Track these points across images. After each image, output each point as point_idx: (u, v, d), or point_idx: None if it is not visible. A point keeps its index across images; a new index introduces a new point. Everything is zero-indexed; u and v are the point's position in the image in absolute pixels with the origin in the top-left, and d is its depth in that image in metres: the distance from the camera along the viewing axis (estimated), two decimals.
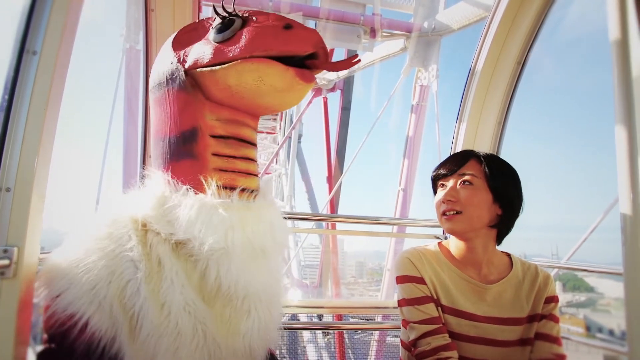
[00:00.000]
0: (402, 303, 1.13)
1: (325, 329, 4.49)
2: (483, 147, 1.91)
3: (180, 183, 0.90)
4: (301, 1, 4.05)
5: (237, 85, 0.88)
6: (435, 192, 1.19)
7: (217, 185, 0.89)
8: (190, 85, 0.92)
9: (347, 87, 7.47)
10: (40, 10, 0.94)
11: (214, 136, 0.92)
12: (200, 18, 1.04)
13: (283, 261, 1.11)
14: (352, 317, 2.81)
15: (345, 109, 7.57)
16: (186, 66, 0.92)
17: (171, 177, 0.91)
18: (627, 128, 0.96)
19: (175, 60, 0.93)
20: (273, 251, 0.97)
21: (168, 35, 1.73)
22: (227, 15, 0.91)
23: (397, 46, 4.60)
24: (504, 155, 1.92)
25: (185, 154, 0.92)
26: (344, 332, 4.65)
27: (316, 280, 7.65)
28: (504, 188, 1.09)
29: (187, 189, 0.89)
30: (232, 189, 0.91)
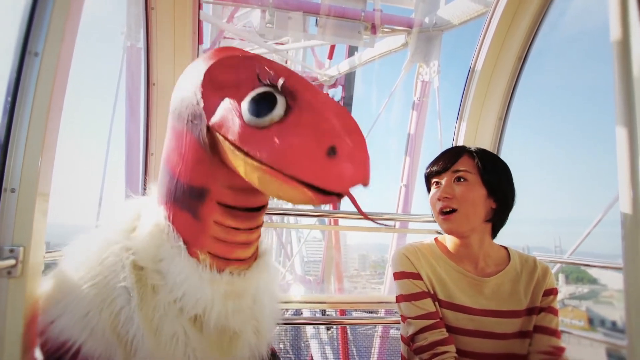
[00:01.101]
0: (399, 299, 1.14)
1: (328, 323, 4.51)
2: (484, 143, 1.91)
3: (177, 235, 0.86)
4: None
5: (257, 186, 0.76)
6: (429, 189, 1.19)
7: (211, 255, 0.86)
8: (209, 144, 0.81)
9: (348, 83, 7.44)
10: (41, 12, 0.94)
11: (221, 204, 0.85)
12: (246, 53, 0.86)
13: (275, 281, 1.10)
14: (354, 312, 2.83)
15: (347, 104, 7.54)
16: (210, 122, 0.79)
17: (171, 221, 0.87)
18: (627, 124, 0.96)
19: (202, 105, 0.80)
20: (256, 310, 0.97)
21: (169, 34, 1.75)
22: (270, 88, 0.75)
23: (398, 42, 4.58)
24: (505, 151, 1.93)
25: (188, 208, 0.85)
26: (347, 326, 4.67)
27: (319, 276, 7.68)
28: (497, 182, 1.10)
29: (181, 247, 0.85)
30: (226, 259, 0.87)
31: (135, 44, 2.91)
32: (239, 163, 0.75)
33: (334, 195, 0.71)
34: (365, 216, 0.80)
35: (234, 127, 0.74)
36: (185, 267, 0.84)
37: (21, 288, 0.89)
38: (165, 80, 1.77)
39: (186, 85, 0.85)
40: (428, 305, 1.10)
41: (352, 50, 6.61)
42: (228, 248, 0.87)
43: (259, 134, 0.72)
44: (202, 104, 0.80)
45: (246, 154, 0.73)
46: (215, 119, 0.78)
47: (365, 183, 0.72)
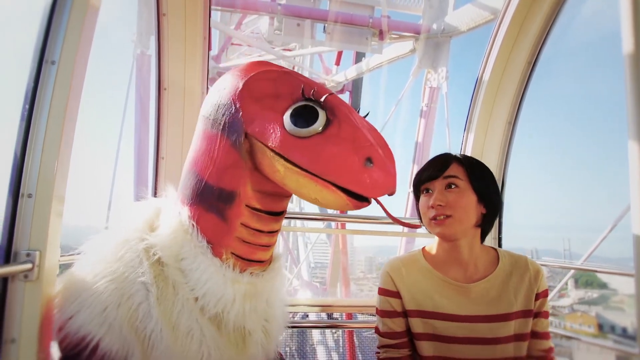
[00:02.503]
0: (376, 312, 1.19)
1: (335, 326, 4.50)
2: (492, 148, 1.92)
3: (201, 235, 0.90)
4: (310, 4, 4.04)
5: (292, 190, 0.85)
6: (417, 197, 1.18)
7: (235, 255, 0.90)
8: (245, 150, 0.87)
9: (355, 88, 7.42)
10: (58, 22, 0.97)
11: (249, 207, 0.90)
12: (281, 69, 0.93)
13: (285, 278, 1.13)
14: (361, 315, 2.82)
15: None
16: (249, 129, 0.86)
17: (195, 221, 0.91)
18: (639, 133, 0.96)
19: (240, 114, 0.87)
20: (269, 311, 1.01)
21: (180, 39, 1.77)
22: (311, 102, 0.84)
23: (406, 48, 4.58)
24: (514, 155, 1.93)
25: (215, 210, 0.89)
26: (354, 330, 4.66)
27: (326, 281, 7.66)
28: (486, 188, 1.10)
29: (208, 247, 0.89)
30: (248, 260, 0.92)
31: (146, 51, 2.94)
32: (279, 167, 0.82)
33: (365, 201, 0.80)
34: (395, 220, 0.87)
35: (275, 136, 0.82)
36: (209, 266, 0.88)
37: (37, 291, 0.91)
38: (176, 84, 1.80)
39: (222, 93, 0.91)
40: (396, 325, 1.14)
41: (359, 56, 6.61)
42: (251, 249, 0.92)
43: (300, 143, 0.80)
44: (241, 112, 0.87)
45: (286, 159, 0.81)
46: (255, 128, 0.85)
47: (393, 191, 0.80)
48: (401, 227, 2.85)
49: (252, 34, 6.99)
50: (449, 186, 1.09)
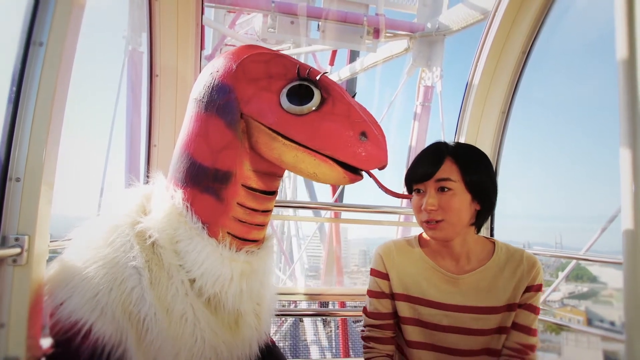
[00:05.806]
0: (367, 293, 1.21)
1: (327, 315, 4.53)
2: (486, 135, 1.94)
3: (196, 217, 0.90)
4: (304, 1, 4.01)
5: (290, 166, 0.87)
6: (410, 190, 1.13)
7: (231, 235, 0.92)
8: (241, 130, 0.89)
9: (349, 88, 7.39)
10: (45, 2, 0.95)
11: (244, 186, 0.92)
12: (277, 51, 0.96)
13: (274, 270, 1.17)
14: (352, 303, 2.83)
15: None
16: (245, 109, 0.88)
17: (190, 204, 0.91)
18: (631, 124, 0.96)
19: (235, 95, 0.89)
20: (261, 292, 1.03)
21: (172, 26, 1.74)
22: (306, 82, 0.87)
23: (400, 46, 4.56)
24: (507, 149, 1.93)
25: (211, 191, 0.90)
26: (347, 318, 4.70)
27: (320, 278, 7.66)
28: (480, 183, 1.06)
29: (203, 228, 0.90)
30: (244, 240, 0.94)
31: (137, 48, 2.91)
32: (276, 145, 0.85)
33: (359, 175, 0.85)
34: (387, 191, 0.91)
35: (272, 114, 0.85)
36: (205, 246, 0.89)
37: (26, 276, 0.90)
38: (168, 71, 1.77)
39: (215, 75, 0.92)
40: (383, 306, 1.16)
41: (353, 56, 6.58)
42: (247, 229, 0.93)
43: (297, 120, 0.84)
44: (236, 93, 0.88)
45: (284, 136, 0.84)
46: (252, 108, 0.87)
47: (385, 164, 0.85)
48: (397, 216, 2.87)
49: (246, 34, 6.93)
50: (441, 189, 1.05)
